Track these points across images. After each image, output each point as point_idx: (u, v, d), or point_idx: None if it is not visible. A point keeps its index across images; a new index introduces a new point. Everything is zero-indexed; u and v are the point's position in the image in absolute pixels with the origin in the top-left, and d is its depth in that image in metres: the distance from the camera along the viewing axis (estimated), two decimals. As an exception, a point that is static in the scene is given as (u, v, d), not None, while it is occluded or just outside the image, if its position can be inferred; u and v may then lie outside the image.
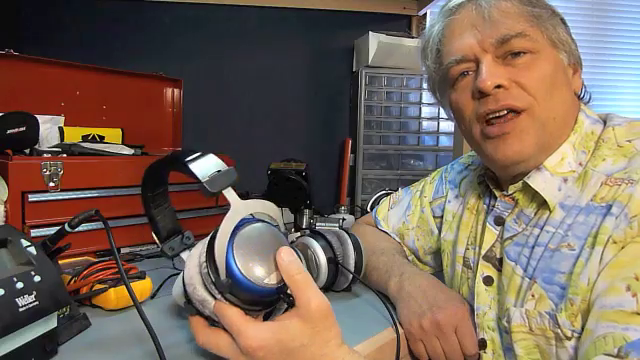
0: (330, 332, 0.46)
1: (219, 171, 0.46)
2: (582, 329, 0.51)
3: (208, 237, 0.47)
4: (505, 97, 0.57)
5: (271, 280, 0.45)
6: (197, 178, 0.45)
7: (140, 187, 0.54)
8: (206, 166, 0.46)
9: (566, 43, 0.60)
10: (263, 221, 0.48)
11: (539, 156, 0.59)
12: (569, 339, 0.52)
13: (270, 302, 0.48)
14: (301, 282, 0.45)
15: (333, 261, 0.72)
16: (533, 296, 0.57)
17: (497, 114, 0.58)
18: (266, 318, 0.48)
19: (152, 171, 0.52)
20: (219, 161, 0.47)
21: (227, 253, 0.44)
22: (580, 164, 0.58)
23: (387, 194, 1.15)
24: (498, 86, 0.57)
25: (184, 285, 0.47)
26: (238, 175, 0.47)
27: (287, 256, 0.45)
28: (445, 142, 1.62)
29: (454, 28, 0.62)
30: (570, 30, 0.62)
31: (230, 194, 0.46)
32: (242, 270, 0.44)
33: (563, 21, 0.62)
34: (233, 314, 0.44)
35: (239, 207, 0.45)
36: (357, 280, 0.73)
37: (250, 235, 0.46)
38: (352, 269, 0.72)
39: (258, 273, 0.45)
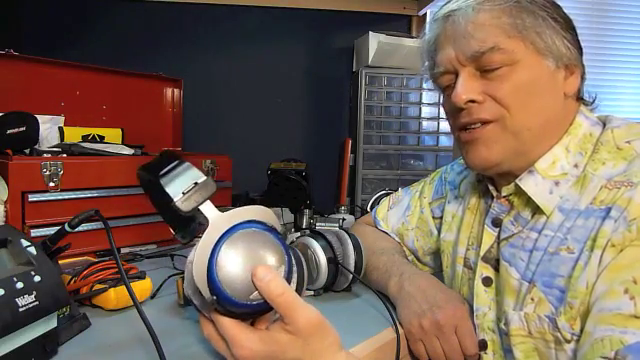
0: (323, 343, 0.45)
1: (196, 183, 0.43)
2: (581, 332, 0.51)
3: (197, 246, 0.43)
4: (477, 111, 0.60)
5: (258, 295, 0.42)
6: (169, 197, 0.42)
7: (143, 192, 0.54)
8: (181, 179, 0.44)
9: (554, 48, 0.58)
10: (255, 225, 0.45)
11: (514, 161, 0.60)
12: (568, 342, 0.52)
13: (264, 312, 0.46)
14: (285, 303, 0.43)
15: (333, 261, 0.72)
16: (532, 300, 0.57)
17: (472, 126, 0.61)
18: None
19: (140, 178, 0.52)
20: (196, 171, 0.45)
21: (210, 270, 0.41)
22: (576, 166, 0.58)
23: (387, 194, 1.15)
24: (472, 101, 0.59)
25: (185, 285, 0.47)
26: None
27: (264, 276, 0.42)
28: (445, 142, 1.62)
29: (439, 40, 0.63)
30: (566, 26, 0.60)
31: (207, 208, 0.43)
32: (226, 288, 0.41)
33: (556, 20, 0.59)
34: (226, 323, 0.44)
35: (218, 223, 0.43)
36: (357, 280, 0.73)
37: (235, 248, 0.42)
38: (352, 269, 0.72)
39: (244, 290, 0.42)
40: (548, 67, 0.59)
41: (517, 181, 0.61)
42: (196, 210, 0.43)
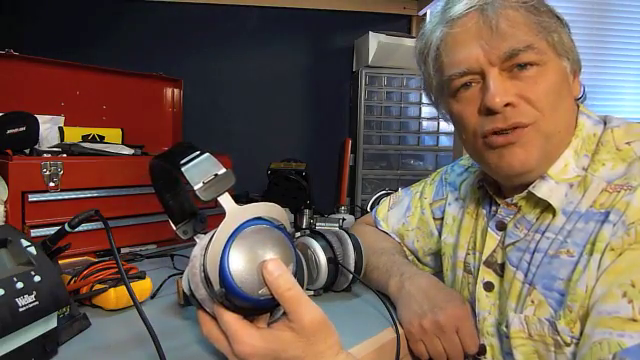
0: (325, 343, 0.45)
1: (216, 175, 0.44)
2: (581, 335, 0.51)
3: (208, 237, 0.45)
4: (513, 115, 0.56)
5: (267, 290, 0.43)
6: (190, 185, 0.43)
7: (151, 183, 0.54)
8: (202, 169, 0.44)
9: (570, 50, 0.58)
10: (266, 222, 0.46)
11: (543, 166, 0.58)
12: (568, 345, 0.52)
13: (269, 309, 0.47)
14: (291, 298, 0.43)
15: (333, 261, 0.72)
16: (533, 302, 0.57)
17: (506, 130, 0.57)
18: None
19: (154, 168, 0.52)
20: (216, 163, 0.45)
21: (222, 262, 0.42)
22: (583, 168, 0.58)
23: (387, 194, 1.15)
24: (507, 104, 0.55)
25: (188, 279, 0.47)
26: (235, 177, 0.45)
27: (274, 270, 0.43)
28: (445, 142, 1.62)
29: (458, 37, 0.58)
30: (568, 27, 0.60)
31: (226, 200, 0.44)
32: (236, 281, 0.42)
33: (566, 25, 0.59)
34: (229, 318, 0.44)
35: (235, 214, 0.43)
36: (357, 280, 0.73)
37: (248, 242, 0.43)
38: (352, 269, 0.72)
39: (253, 284, 0.43)
40: (566, 69, 0.58)
41: (530, 189, 0.59)
42: (214, 200, 0.44)
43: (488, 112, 0.57)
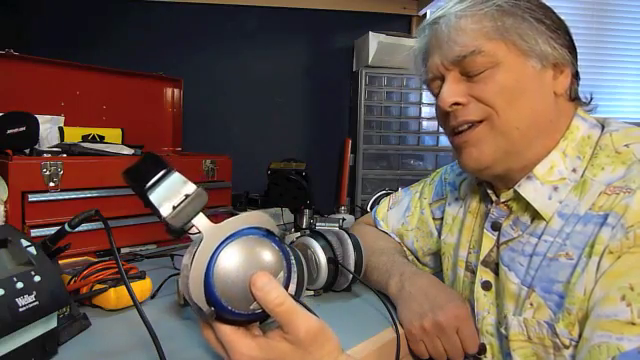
0: (323, 350, 0.45)
1: (186, 196, 0.42)
2: (580, 337, 0.51)
3: (192, 255, 0.42)
4: (462, 113, 0.60)
5: (257, 304, 0.42)
6: (159, 214, 0.41)
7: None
8: (170, 191, 0.42)
9: (537, 48, 0.58)
10: (250, 231, 0.43)
11: (506, 162, 0.60)
12: (567, 348, 0.53)
13: (264, 318, 0.45)
14: (284, 313, 0.43)
15: (333, 261, 0.72)
16: (532, 305, 0.57)
17: (459, 128, 0.61)
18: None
19: (128, 182, 0.48)
20: (185, 181, 0.43)
21: (207, 284, 0.41)
22: (574, 170, 0.58)
23: (387, 194, 1.15)
24: (457, 103, 0.60)
25: (182, 290, 0.45)
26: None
27: (263, 286, 0.42)
28: (445, 142, 1.62)
29: (427, 48, 0.65)
30: (553, 27, 0.59)
31: (200, 221, 0.42)
32: (225, 301, 0.41)
33: (540, 21, 0.58)
34: (225, 329, 0.44)
35: (212, 235, 0.41)
36: (357, 280, 0.73)
37: (230, 260, 0.41)
38: (352, 269, 0.72)
39: (243, 301, 0.41)
40: (533, 67, 0.59)
41: (516, 187, 0.61)
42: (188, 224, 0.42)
43: (443, 113, 0.63)
